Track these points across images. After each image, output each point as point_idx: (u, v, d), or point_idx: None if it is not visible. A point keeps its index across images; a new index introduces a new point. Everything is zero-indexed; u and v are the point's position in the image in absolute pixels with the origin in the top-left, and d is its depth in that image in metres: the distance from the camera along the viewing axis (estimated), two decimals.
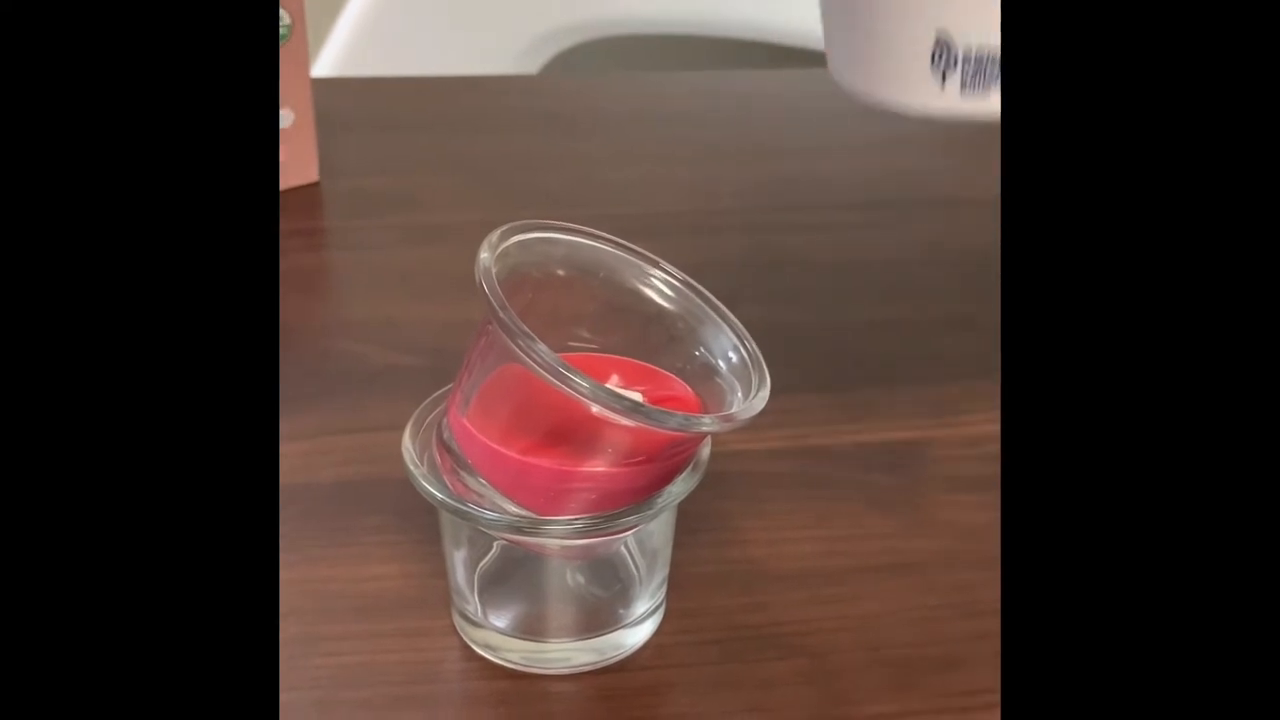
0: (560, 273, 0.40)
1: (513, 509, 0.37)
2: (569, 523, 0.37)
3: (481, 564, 0.41)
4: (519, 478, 0.37)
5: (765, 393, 0.37)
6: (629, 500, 0.37)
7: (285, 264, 0.63)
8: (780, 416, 0.51)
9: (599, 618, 0.41)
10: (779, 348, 0.40)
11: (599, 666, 0.40)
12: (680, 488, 0.38)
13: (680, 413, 0.35)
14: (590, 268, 0.41)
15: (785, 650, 0.41)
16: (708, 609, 0.43)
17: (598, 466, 0.36)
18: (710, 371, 0.40)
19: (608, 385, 0.40)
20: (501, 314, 0.35)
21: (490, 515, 0.37)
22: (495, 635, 0.40)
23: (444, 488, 0.38)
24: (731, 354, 0.39)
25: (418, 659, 0.41)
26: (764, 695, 0.40)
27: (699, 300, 0.40)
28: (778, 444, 0.51)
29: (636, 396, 0.38)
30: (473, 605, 0.41)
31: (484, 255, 0.37)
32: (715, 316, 0.40)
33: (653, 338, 0.41)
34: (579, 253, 0.41)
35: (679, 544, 0.43)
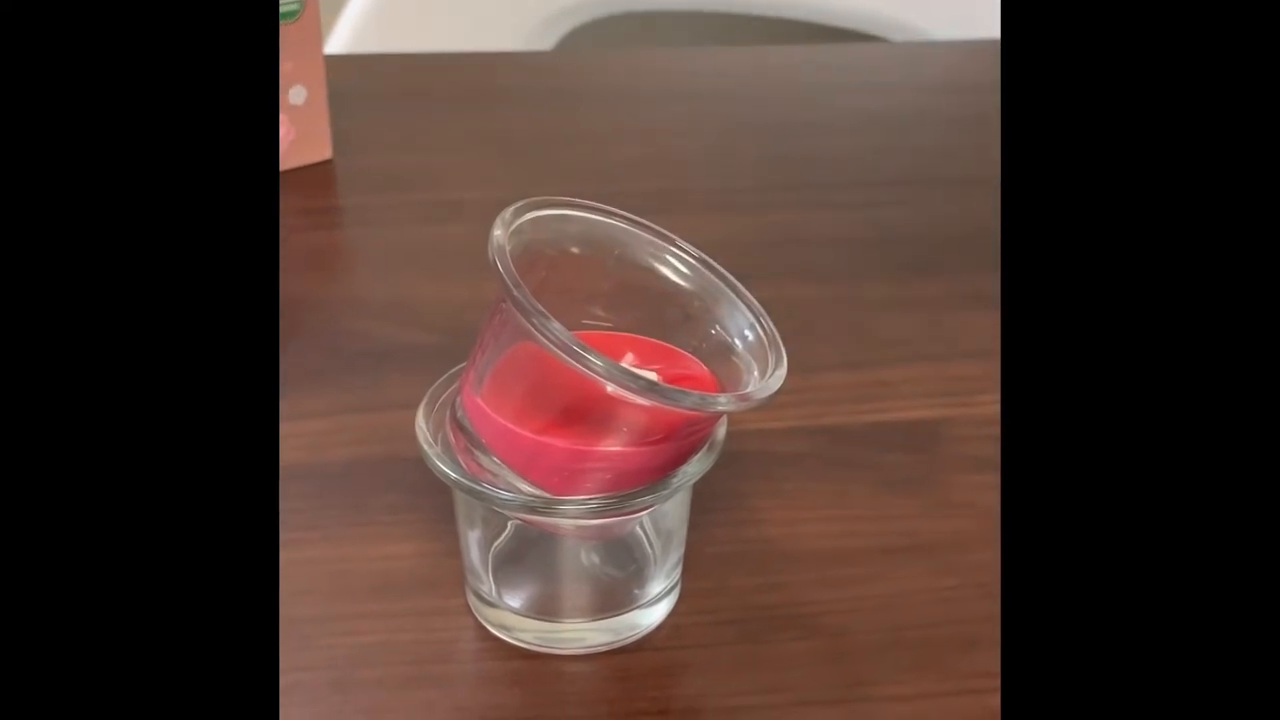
0: (574, 250, 0.40)
1: (527, 489, 0.37)
2: (583, 503, 0.36)
3: (496, 544, 0.41)
4: (533, 457, 0.36)
5: (782, 371, 0.37)
6: (644, 480, 0.37)
7: (298, 242, 0.63)
8: (797, 395, 0.51)
9: (614, 598, 0.40)
10: (796, 326, 0.39)
11: (614, 647, 0.40)
12: (696, 468, 0.38)
13: (696, 392, 0.34)
14: (605, 245, 0.40)
15: (802, 631, 0.41)
16: (724, 589, 0.43)
17: (613, 446, 0.36)
18: (726, 350, 0.39)
19: (622, 364, 0.39)
20: (515, 292, 0.34)
21: (504, 495, 0.36)
22: (510, 615, 0.40)
23: (458, 467, 0.37)
24: (748, 332, 0.39)
25: (432, 639, 0.40)
26: (781, 676, 0.39)
27: (715, 278, 0.40)
28: (794, 423, 0.50)
29: (652, 376, 0.38)
30: (487, 585, 0.40)
31: (497, 232, 0.36)
32: (731, 294, 0.39)
33: (668, 316, 0.41)
34: (594, 230, 0.40)
35: (694, 524, 0.42)
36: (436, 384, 0.40)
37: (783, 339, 0.38)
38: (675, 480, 0.37)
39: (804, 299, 0.59)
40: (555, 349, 0.34)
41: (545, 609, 0.40)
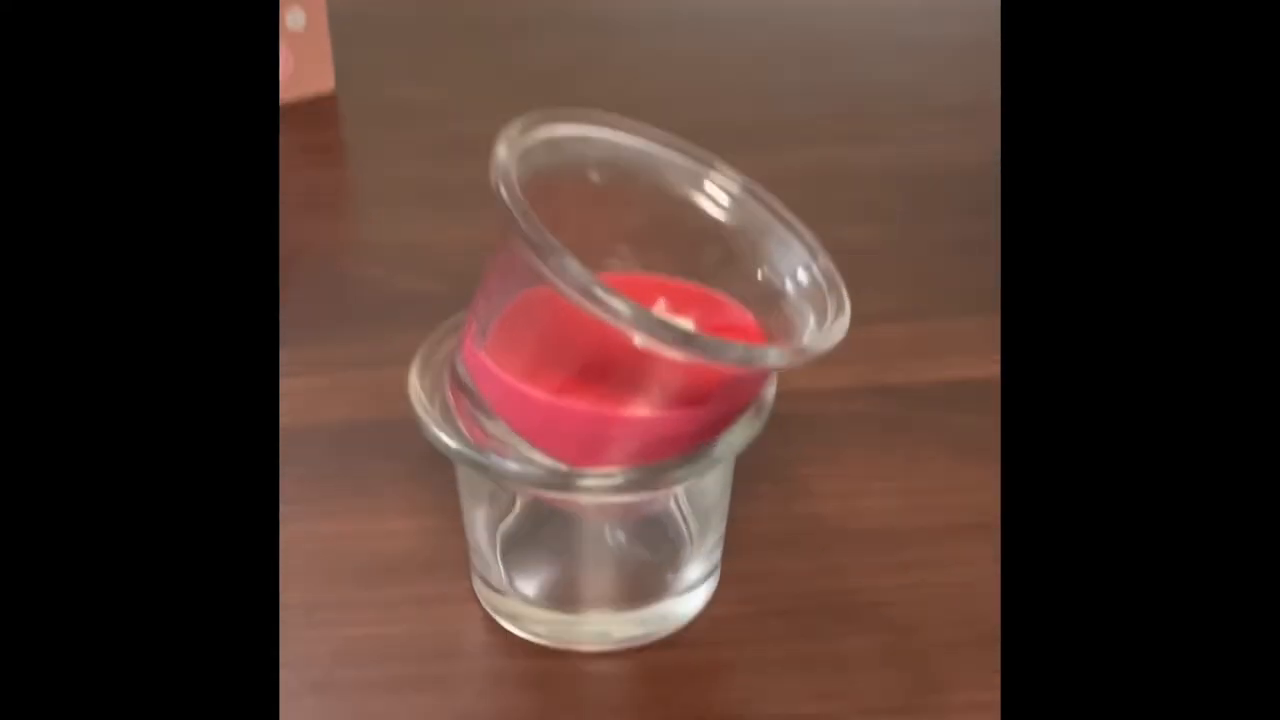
0: (595, 178, 0.34)
1: (540, 459, 0.31)
2: (607, 476, 0.30)
3: (504, 524, 0.36)
4: (548, 422, 0.30)
5: (844, 320, 0.31)
6: (678, 449, 0.31)
7: (298, 181, 0.57)
8: (855, 350, 0.44)
9: (643, 585, 0.35)
10: (852, 272, 0.33)
11: (643, 642, 0.34)
12: (740, 436, 0.32)
13: (740, 343, 0.28)
14: (632, 172, 0.34)
15: (862, 624, 0.35)
16: (771, 574, 0.37)
17: (641, 410, 0.30)
18: (776, 295, 0.33)
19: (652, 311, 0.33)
20: (523, 223, 0.28)
21: (514, 468, 0.31)
22: (521, 605, 0.34)
23: (459, 435, 0.31)
24: (802, 274, 0.33)
25: (432, 631, 0.35)
26: (837, 678, 0.33)
27: (763, 209, 0.34)
28: (851, 381, 0.44)
29: (688, 325, 0.32)
30: (496, 570, 0.35)
31: (501, 152, 0.30)
32: (782, 229, 0.33)
33: (708, 256, 0.34)
34: (619, 154, 0.34)
35: (738, 498, 0.36)
36: (433, 336, 0.35)
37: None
38: (716, 450, 0.31)
39: (860, 242, 0.52)
40: (572, 292, 0.28)
41: (562, 598, 0.34)
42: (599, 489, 0.31)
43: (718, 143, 0.60)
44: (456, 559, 0.36)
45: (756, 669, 0.34)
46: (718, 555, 0.36)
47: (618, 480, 0.30)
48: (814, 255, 0.32)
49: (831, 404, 0.43)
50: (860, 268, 0.50)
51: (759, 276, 0.34)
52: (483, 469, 0.31)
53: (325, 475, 0.40)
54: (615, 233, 0.35)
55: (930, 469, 0.40)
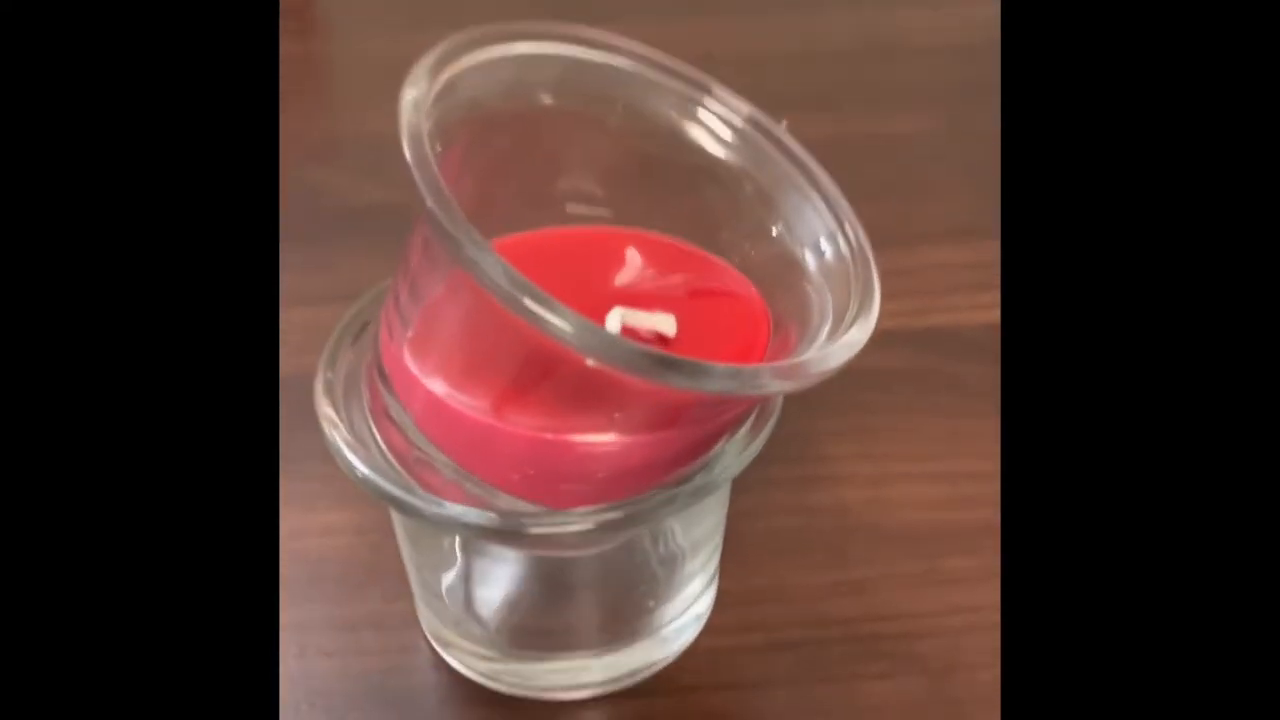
0: (550, 101, 0.26)
1: (473, 488, 0.24)
2: (562, 522, 0.24)
3: (449, 573, 0.29)
4: (483, 445, 0.23)
5: (871, 318, 0.23)
6: (654, 479, 0.24)
7: None
8: (894, 281, 0.37)
9: (620, 619, 0.28)
10: (889, 172, 0.25)
11: (623, 686, 0.28)
12: (732, 460, 0.25)
13: (724, 367, 0.21)
14: (602, 94, 0.26)
15: (892, 661, 0.28)
16: (781, 591, 0.30)
17: (603, 434, 0.23)
18: (788, 263, 0.25)
19: (626, 275, 0.26)
20: (429, 199, 0.21)
21: (454, 515, 0.24)
22: (473, 645, 0.28)
23: (381, 463, 0.25)
24: (825, 243, 0.25)
25: (367, 667, 0.29)
26: None
27: (777, 152, 0.26)
28: (887, 323, 0.36)
29: (663, 322, 0.24)
30: (445, 608, 0.28)
31: (409, 95, 0.22)
32: (802, 179, 0.25)
33: (701, 204, 0.27)
34: (585, 73, 0.26)
35: (739, 484, 0.29)
36: (350, 313, 0.27)
37: (875, 194, 0.24)
38: (705, 478, 0.24)
39: (901, 131, 0.44)
40: (492, 297, 0.20)
41: (522, 639, 0.28)
42: (555, 538, 0.24)
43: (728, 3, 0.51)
44: (399, 569, 0.30)
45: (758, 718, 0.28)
46: (713, 568, 0.29)
47: (577, 527, 0.23)
48: (842, 221, 0.24)
49: (861, 356, 0.36)
50: (901, 170, 0.42)
51: (771, 235, 0.26)
52: (415, 514, 0.24)
53: None
54: (581, 170, 0.27)
55: (984, 446, 0.33)
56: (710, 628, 0.29)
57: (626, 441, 0.23)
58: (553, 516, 0.23)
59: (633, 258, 0.27)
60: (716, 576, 0.29)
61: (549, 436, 0.23)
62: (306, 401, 0.30)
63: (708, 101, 0.26)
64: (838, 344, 0.22)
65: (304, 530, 0.31)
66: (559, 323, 0.20)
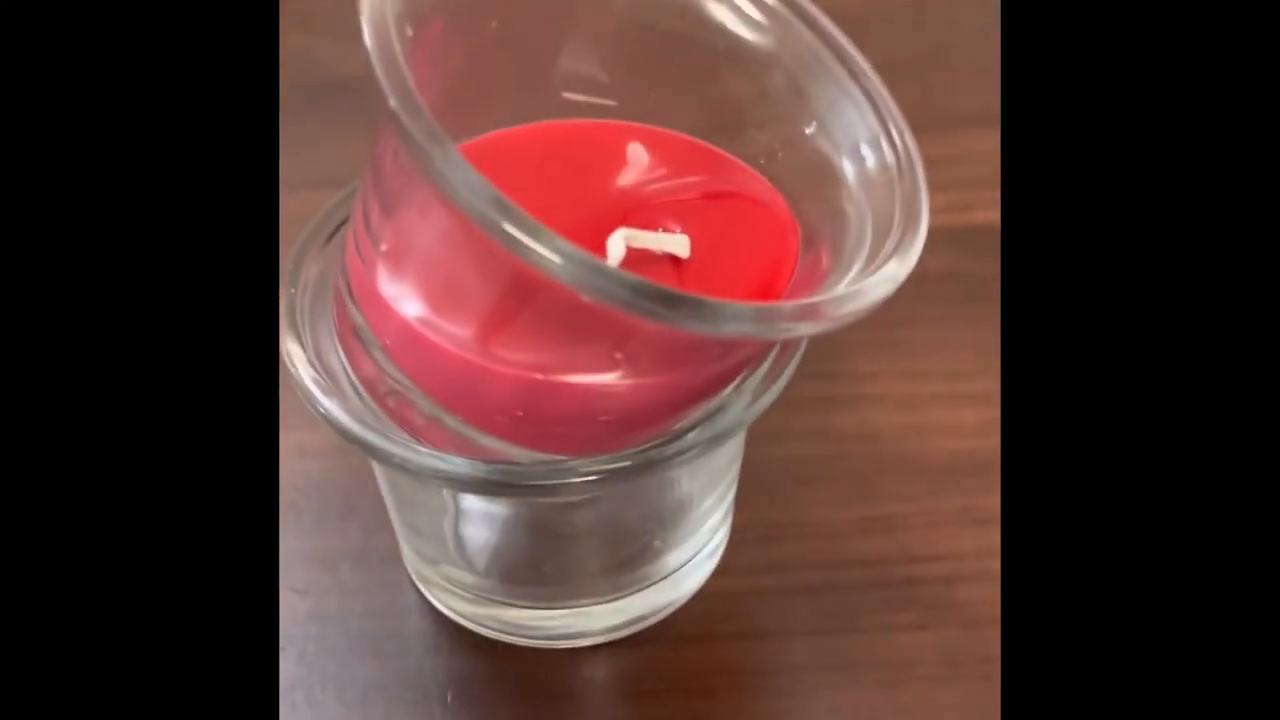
0: None
1: (452, 424, 0.21)
2: (557, 473, 0.20)
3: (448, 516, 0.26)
4: (467, 384, 0.20)
5: (917, 245, 0.19)
6: (661, 422, 0.21)
7: None
8: (932, 173, 0.33)
9: (621, 562, 0.25)
10: (927, 44, 0.22)
11: (625, 635, 0.25)
12: (751, 402, 0.21)
13: (743, 306, 0.17)
14: None
15: (928, 611, 0.26)
16: (800, 529, 0.27)
17: (603, 375, 0.20)
18: (822, 169, 0.22)
19: (631, 177, 0.23)
20: (391, 98, 0.17)
21: (447, 467, 0.21)
22: (462, 589, 0.25)
23: (363, 408, 0.21)
24: (866, 147, 0.21)
25: (346, 609, 0.26)
26: (886, 695, 0.24)
27: (813, 36, 0.22)
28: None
29: (673, 244, 0.21)
30: (428, 545, 0.26)
31: None
32: (842, 70, 0.21)
33: (722, 94, 0.23)
34: None
35: None
36: (320, 214, 0.24)
37: (913, 69, 0.21)
38: (721, 422, 0.21)
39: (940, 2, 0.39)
40: (467, 220, 0.17)
41: (512, 583, 0.25)
42: (552, 489, 0.21)
43: None
44: (380, 496, 0.27)
45: (772, 675, 0.25)
46: (727, 504, 0.26)
47: (577, 480, 0.20)
48: (887, 123, 0.21)
49: None
50: (940, 43, 0.37)
51: (805, 134, 0.22)
52: (396, 465, 0.21)
53: None
54: (579, 54, 0.23)
55: None
56: (723, 568, 0.26)
57: (630, 383, 0.20)
58: (550, 468, 0.20)
59: (639, 157, 0.23)
60: (731, 512, 0.26)
61: (539, 377, 0.20)
62: None
63: None
64: (876, 276, 0.19)
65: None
66: (546, 253, 0.16)
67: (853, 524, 0.27)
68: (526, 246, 0.17)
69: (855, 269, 0.20)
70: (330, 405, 0.21)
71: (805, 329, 0.18)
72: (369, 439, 0.21)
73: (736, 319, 0.17)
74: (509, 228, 0.17)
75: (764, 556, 0.27)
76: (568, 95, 0.23)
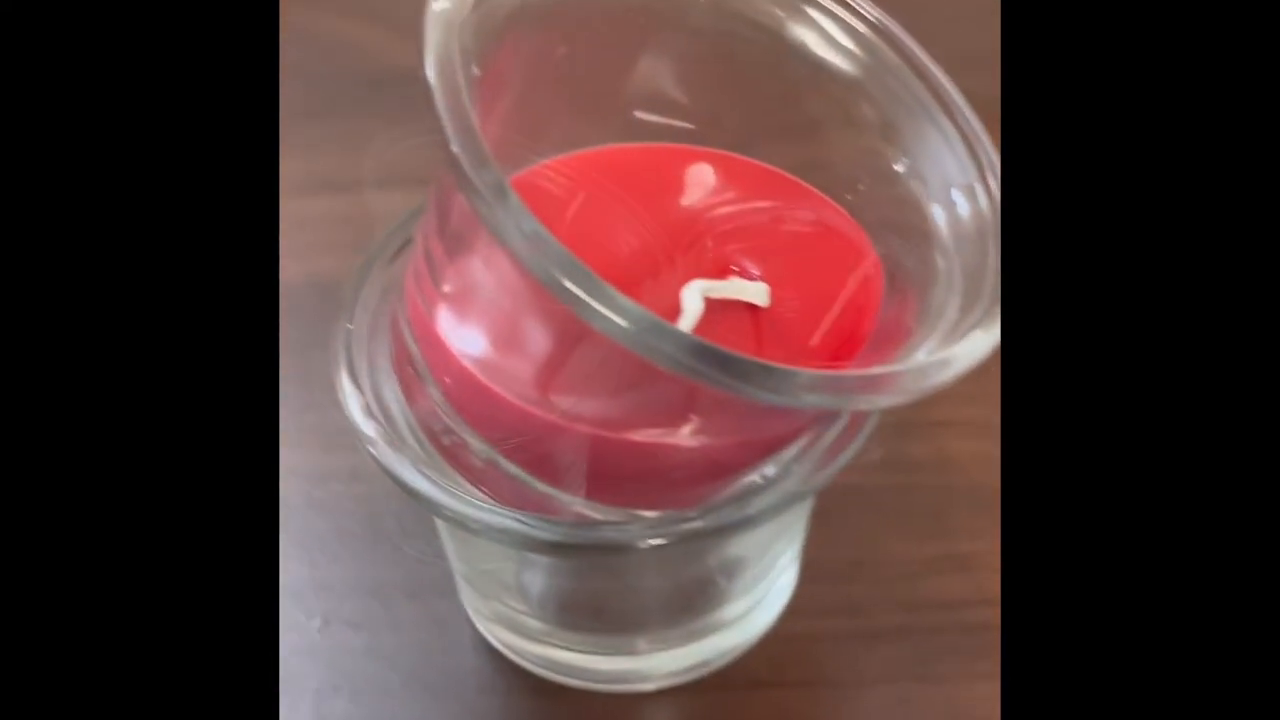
0: None
1: (511, 470, 0.20)
2: (626, 532, 0.19)
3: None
4: (532, 437, 0.19)
5: (995, 325, 0.18)
6: (732, 475, 0.20)
7: None
8: None
9: (684, 603, 0.24)
10: None
11: (688, 680, 0.24)
12: (820, 464, 0.20)
13: (809, 374, 0.16)
14: None
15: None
16: (873, 566, 0.26)
17: (675, 433, 0.19)
18: (912, 214, 0.20)
19: (704, 203, 0.22)
20: (455, 144, 0.16)
21: (504, 523, 0.20)
22: (518, 627, 0.24)
23: (437, 470, 0.20)
24: (959, 193, 0.19)
25: (401, 644, 0.25)
26: None
27: (907, 68, 0.20)
28: None
29: (751, 293, 0.20)
30: (483, 580, 0.25)
31: (438, 6, 0.17)
32: (937, 108, 0.20)
33: (805, 122, 0.21)
34: None
35: None
36: (377, 244, 0.23)
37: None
38: (795, 482, 0.20)
39: None
40: (526, 271, 0.16)
41: (570, 623, 0.24)
42: (623, 549, 0.20)
43: None
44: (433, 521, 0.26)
45: None
46: (798, 546, 0.25)
47: (650, 541, 0.19)
48: (984, 168, 0.19)
49: None
50: None
51: (894, 171, 0.20)
52: (463, 525, 0.20)
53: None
54: (651, 72, 0.22)
55: None
56: (790, 609, 0.25)
57: (699, 441, 0.19)
58: (617, 531, 0.19)
59: (711, 176, 0.22)
60: (801, 553, 0.25)
61: (605, 434, 0.18)
62: (314, 316, 0.26)
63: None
64: (962, 345, 0.17)
65: (324, 473, 0.28)
66: (609, 314, 0.15)
67: (925, 562, 0.26)
68: (589, 307, 0.16)
69: (942, 328, 0.18)
70: (391, 458, 0.20)
71: (881, 402, 0.17)
72: (435, 496, 0.20)
73: (809, 389, 0.16)
74: (572, 286, 0.15)
75: (832, 598, 0.25)
76: (641, 115, 0.22)
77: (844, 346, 0.20)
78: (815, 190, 0.21)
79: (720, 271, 0.21)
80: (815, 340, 0.20)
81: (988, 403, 0.28)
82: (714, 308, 0.20)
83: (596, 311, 0.16)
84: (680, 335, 0.16)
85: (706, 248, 0.22)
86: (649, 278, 0.21)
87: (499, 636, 0.25)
